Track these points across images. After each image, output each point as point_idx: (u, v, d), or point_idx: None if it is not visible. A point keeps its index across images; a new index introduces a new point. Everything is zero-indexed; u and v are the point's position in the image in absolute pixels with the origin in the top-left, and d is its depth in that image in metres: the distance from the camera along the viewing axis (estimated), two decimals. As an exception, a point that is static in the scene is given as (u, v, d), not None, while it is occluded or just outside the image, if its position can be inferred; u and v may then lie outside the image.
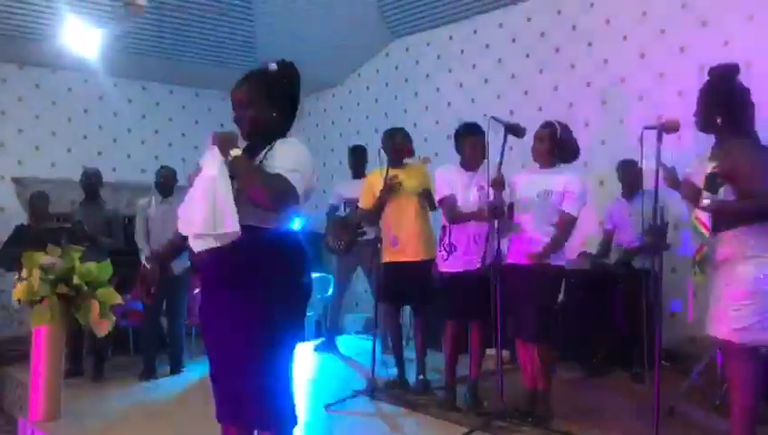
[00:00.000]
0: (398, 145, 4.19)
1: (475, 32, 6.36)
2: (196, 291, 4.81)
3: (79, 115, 7.11)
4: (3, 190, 6.59)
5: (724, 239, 2.54)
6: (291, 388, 2.09)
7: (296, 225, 2.17)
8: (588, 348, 4.59)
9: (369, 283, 5.38)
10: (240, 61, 6.71)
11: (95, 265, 3.87)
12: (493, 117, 3.32)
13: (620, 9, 5.33)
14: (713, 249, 2.60)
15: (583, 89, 5.51)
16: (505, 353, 4.08)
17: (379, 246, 4.26)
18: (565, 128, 3.43)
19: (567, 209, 3.33)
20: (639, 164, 2.97)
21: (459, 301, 3.64)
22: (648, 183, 2.93)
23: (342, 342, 5.82)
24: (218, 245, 1.96)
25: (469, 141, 3.70)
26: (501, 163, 3.32)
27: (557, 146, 3.38)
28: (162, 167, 5.06)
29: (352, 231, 4.83)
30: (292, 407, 2.09)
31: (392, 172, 4.08)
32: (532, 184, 3.41)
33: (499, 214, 3.32)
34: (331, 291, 5.90)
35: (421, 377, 4.15)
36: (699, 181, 2.59)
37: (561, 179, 3.35)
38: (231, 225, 1.91)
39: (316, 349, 5.58)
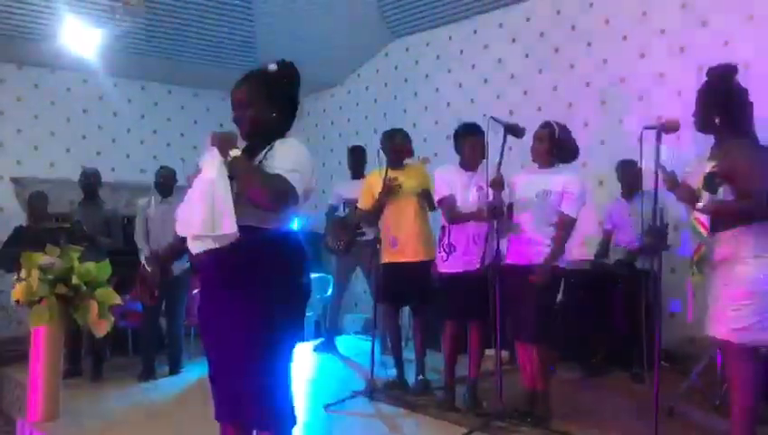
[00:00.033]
0: (398, 146, 4.19)
1: (475, 32, 6.36)
2: (196, 291, 4.81)
3: (78, 115, 7.10)
4: (2, 190, 6.58)
5: (722, 239, 2.54)
6: (290, 388, 2.09)
7: (295, 225, 2.16)
8: (587, 348, 4.59)
9: (368, 283, 5.37)
10: (239, 61, 6.70)
11: (94, 265, 3.86)
12: (492, 117, 3.32)
13: (620, 9, 5.33)
14: (711, 249, 2.60)
15: (583, 89, 5.51)
16: (505, 354, 4.07)
17: (378, 246, 4.25)
18: (564, 128, 3.43)
19: (566, 211, 3.33)
20: (639, 164, 2.96)
21: (458, 301, 3.64)
22: (647, 183, 2.93)
23: (341, 342, 5.81)
24: (217, 246, 1.95)
25: (468, 141, 3.70)
26: (500, 163, 3.32)
27: (556, 146, 3.39)
28: (162, 167, 5.06)
29: (351, 231, 4.83)
30: (292, 407, 2.09)
31: (392, 173, 4.07)
32: (530, 184, 3.41)
33: (498, 214, 3.32)
34: (330, 291, 5.90)
35: (421, 377, 4.15)
36: (698, 181, 2.59)
37: (559, 180, 3.35)
38: (229, 226, 1.91)
39: (315, 349, 5.57)
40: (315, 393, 4.19)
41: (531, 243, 3.36)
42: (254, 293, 2.01)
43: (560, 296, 3.36)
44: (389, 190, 4.03)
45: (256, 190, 1.95)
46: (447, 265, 3.67)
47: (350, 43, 7.05)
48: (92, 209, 5.10)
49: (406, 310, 4.76)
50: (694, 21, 4.88)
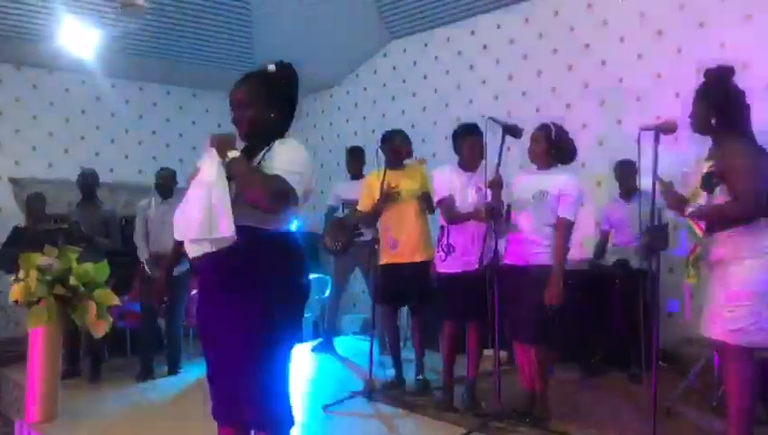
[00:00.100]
0: (398, 147, 4.19)
1: (473, 33, 6.36)
2: (194, 292, 4.81)
3: (76, 116, 7.10)
4: (0, 191, 6.58)
5: (718, 240, 2.54)
6: (288, 389, 2.09)
7: (293, 226, 2.17)
8: (585, 349, 4.59)
9: (366, 284, 5.37)
10: (238, 61, 6.71)
11: (92, 265, 3.86)
12: (491, 118, 3.32)
13: (618, 10, 5.33)
14: (707, 250, 2.61)
15: (581, 90, 5.51)
16: (503, 354, 4.08)
17: (376, 247, 4.25)
18: (561, 129, 3.43)
19: (563, 214, 3.32)
20: (637, 165, 2.97)
21: (457, 301, 3.64)
22: (645, 184, 2.93)
23: (340, 343, 5.81)
24: (214, 250, 1.95)
25: (467, 142, 3.71)
26: (499, 164, 3.32)
27: (553, 147, 3.39)
28: (162, 168, 5.05)
29: (350, 232, 4.83)
30: (290, 407, 2.09)
31: (391, 174, 4.07)
32: (528, 185, 3.41)
33: (496, 215, 3.32)
34: (328, 292, 5.90)
35: (419, 377, 4.15)
36: (696, 181, 2.60)
37: (556, 181, 3.35)
38: (226, 229, 1.91)
39: (314, 350, 5.57)
40: (314, 394, 4.19)
41: (529, 243, 3.36)
42: (252, 293, 2.01)
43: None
44: (388, 197, 4.04)
45: (255, 191, 1.95)
46: (446, 266, 3.67)
47: (348, 43, 7.05)
48: (91, 210, 5.09)
49: (404, 310, 4.76)
50: (691, 22, 4.88)
